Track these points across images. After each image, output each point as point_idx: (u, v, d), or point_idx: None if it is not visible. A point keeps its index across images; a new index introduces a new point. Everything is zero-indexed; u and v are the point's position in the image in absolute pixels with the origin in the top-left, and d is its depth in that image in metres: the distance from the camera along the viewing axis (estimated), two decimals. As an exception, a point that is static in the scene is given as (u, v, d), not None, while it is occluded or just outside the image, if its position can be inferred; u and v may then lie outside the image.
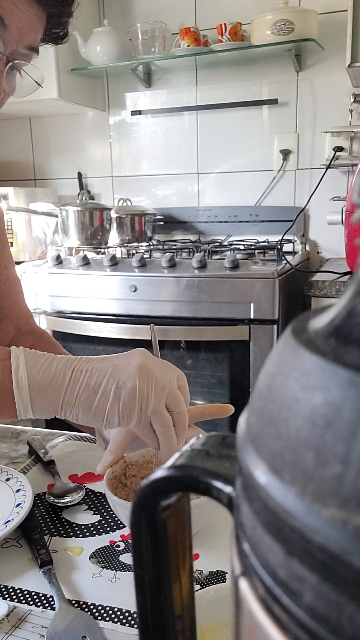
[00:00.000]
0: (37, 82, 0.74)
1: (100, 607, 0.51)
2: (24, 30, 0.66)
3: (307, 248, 2.24)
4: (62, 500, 0.67)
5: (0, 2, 0.62)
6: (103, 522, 0.64)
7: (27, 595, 0.52)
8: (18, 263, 2.05)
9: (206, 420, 0.72)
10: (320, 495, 0.14)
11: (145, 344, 0.69)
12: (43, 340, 0.87)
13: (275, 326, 1.69)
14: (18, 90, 0.73)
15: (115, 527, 0.63)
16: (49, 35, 0.71)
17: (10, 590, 0.53)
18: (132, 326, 1.82)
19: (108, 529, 0.63)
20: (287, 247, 2.08)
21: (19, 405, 0.59)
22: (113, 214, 2.16)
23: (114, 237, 2.17)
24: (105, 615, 0.50)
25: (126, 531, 0.62)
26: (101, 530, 0.63)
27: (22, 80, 0.73)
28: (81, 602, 0.51)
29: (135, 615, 0.49)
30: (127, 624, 0.49)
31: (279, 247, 1.87)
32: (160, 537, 0.22)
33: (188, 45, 2.09)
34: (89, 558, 0.58)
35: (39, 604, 0.51)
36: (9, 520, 0.60)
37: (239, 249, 1.95)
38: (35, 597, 0.52)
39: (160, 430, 0.61)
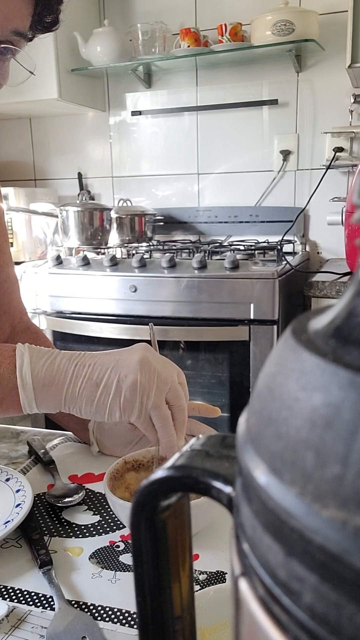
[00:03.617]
0: (29, 71, 0.74)
1: (100, 608, 0.51)
2: (9, 14, 0.65)
3: (307, 248, 2.24)
4: (62, 501, 0.67)
5: None
6: (103, 522, 0.64)
7: (27, 596, 0.52)
8: (18, 263, 2.06)
9: (197, 416, 0.74)
10: (320, 496, 0.14)
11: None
12: (38, 340, 0.88)
13: (275, 327, 1.69)
14: (11, 79, 0.73)
15: (115, 527, 0.63)
16: (40, 22, 0.71)
17: (10, 590, 0.53)
18: (132, 326, 1.82)
19: (108, 529, 0.63)
20: (287, 248, 2.08)
21: (24, 401, 0.61)
22: (113, 214, 2.16)
23: (114, 238, 2.17)
24: (105, 615, 0.50)
25: (126, 531, 0.62)
26: (101, 531, 0.62)
27: (14, 69, 0.73)
28: (81, 603, 0.51)
29: (135, 616, 0.49)
30: (126, 625, 0.49)
31: (279, 247, 1.87)
32: (160, 537, 0.22)
33: (188, 46, 2.09)
34: (89, 558, 0.58)
35: (38, 604, 0.51)
36: (8, 521, 0.60)
37: (239, 250, 1.95)
38: (35, 597, 0.52)
39: (160, 424, 0.62)
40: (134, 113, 2.43)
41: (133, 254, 1.92)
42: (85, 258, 1.93)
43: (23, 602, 0.52)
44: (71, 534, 0.62)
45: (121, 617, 0.49)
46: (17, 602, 0.52)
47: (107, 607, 0.51)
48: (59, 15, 0.72)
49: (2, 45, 0.67)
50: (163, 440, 0.63)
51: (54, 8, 0.70)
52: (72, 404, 0.61)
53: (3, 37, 0.67)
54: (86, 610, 0.50)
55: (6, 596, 0.52)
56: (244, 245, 2.04)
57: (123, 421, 0.63)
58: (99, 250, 2.11)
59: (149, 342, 0.71)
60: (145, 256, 1.89)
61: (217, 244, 2.15)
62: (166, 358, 0.67)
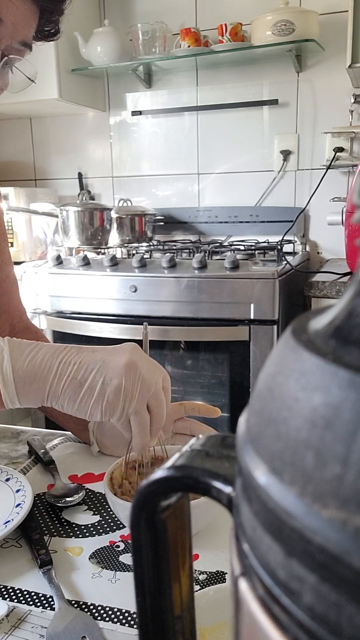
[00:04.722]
0: (29, 78, 0.75)
1: (99, 608, 0.51)
2: (18, 25, 0.67)
3: (308, 249, 2.24)
4: (62, 501, 0.67)
5: None
6: (103, 522, 0.64)
7: (27, 596, 0.52)
8: (18, 263, 2.06)
9: (197, 416, 0.75)
10: (320, 496, 0.14)
11: (146, 344, 0.69)
12: (37, 339, 0.88)
13: (275, 327, 1.69)
14: (11, 86, 0.74)
15: (115, 527, 0.63)
16: (41, 32, 0.73)
17: (10, 590, 0.53)
18: (132, 326, 1.82)
19: (108, 529, 0.63)
20: (287, 248, 2.08)
21: (5, 396, 0.61)
22: (113, 214, 2.16)
23: (114, 238, 2.17)
24: (104, 615, 0.50)
25: (126, 531, 0.62)
26: (101, 531, 0.63)
27: (15, 76, 0.74)
28: (81, 603, 0.51)
29: (135, 616, 0.49)
30: (126, 624, 0.49)
31: (279, 247, 1.87)
32: (160, 537, 0.22)
33: (189, 46, 2.09)
34: (89, 558, 0.58)
35: (38, 604, 0.51)
36: (8, 521, 0.60)
37: (239, 250, 1.95)
38: (35, 597, 0.52)
39: (137, 430, 0.63)
40: (134, 113, 2.43)
41: (133, 254, 1.92)
42: (85, 258, 1.93)
43: (23, 602, 0.52)
44: (71, 534, 0.62)
45: (121, 617, 0.49)
46: (17, 602, 0.52)
47: (107, 607, 0.51)
48: (59, 26, 0.73)
49: (11, 56, 0.68)
50: (137, 442, 0.64)
51: (56, 19, 0.72)
52: (54, 400, 0.61)
53: (10, 48, 0.68)
54: (86, 610, 0.50)
55: (6, 596, 0.52)
56: (244, 245, 2.04)
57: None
58: (99, 250, 2.11)
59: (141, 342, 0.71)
60: (145, 256, 1.89)
61: (217, 244, 2.15)
62: (154, 360, 0.66)
